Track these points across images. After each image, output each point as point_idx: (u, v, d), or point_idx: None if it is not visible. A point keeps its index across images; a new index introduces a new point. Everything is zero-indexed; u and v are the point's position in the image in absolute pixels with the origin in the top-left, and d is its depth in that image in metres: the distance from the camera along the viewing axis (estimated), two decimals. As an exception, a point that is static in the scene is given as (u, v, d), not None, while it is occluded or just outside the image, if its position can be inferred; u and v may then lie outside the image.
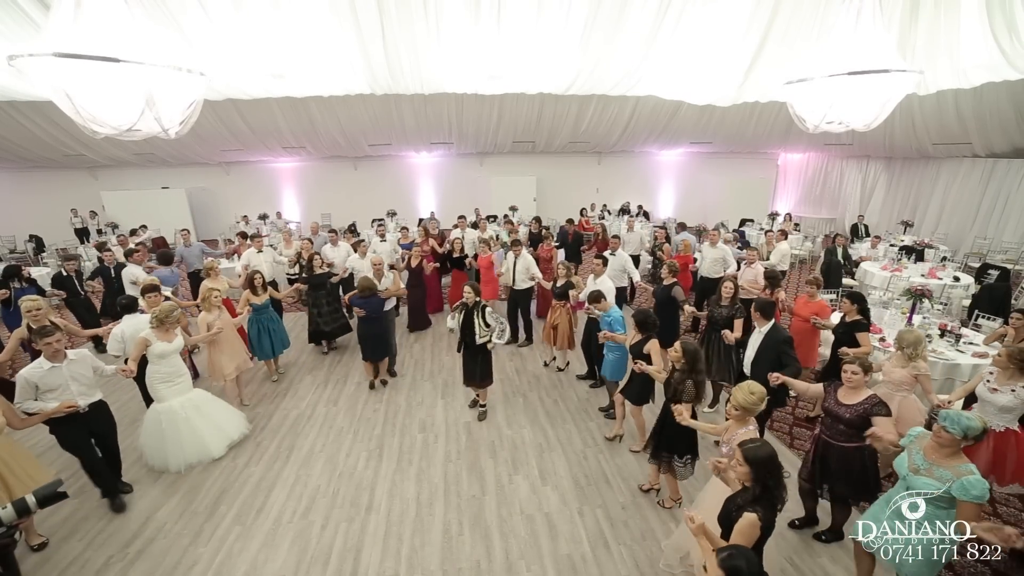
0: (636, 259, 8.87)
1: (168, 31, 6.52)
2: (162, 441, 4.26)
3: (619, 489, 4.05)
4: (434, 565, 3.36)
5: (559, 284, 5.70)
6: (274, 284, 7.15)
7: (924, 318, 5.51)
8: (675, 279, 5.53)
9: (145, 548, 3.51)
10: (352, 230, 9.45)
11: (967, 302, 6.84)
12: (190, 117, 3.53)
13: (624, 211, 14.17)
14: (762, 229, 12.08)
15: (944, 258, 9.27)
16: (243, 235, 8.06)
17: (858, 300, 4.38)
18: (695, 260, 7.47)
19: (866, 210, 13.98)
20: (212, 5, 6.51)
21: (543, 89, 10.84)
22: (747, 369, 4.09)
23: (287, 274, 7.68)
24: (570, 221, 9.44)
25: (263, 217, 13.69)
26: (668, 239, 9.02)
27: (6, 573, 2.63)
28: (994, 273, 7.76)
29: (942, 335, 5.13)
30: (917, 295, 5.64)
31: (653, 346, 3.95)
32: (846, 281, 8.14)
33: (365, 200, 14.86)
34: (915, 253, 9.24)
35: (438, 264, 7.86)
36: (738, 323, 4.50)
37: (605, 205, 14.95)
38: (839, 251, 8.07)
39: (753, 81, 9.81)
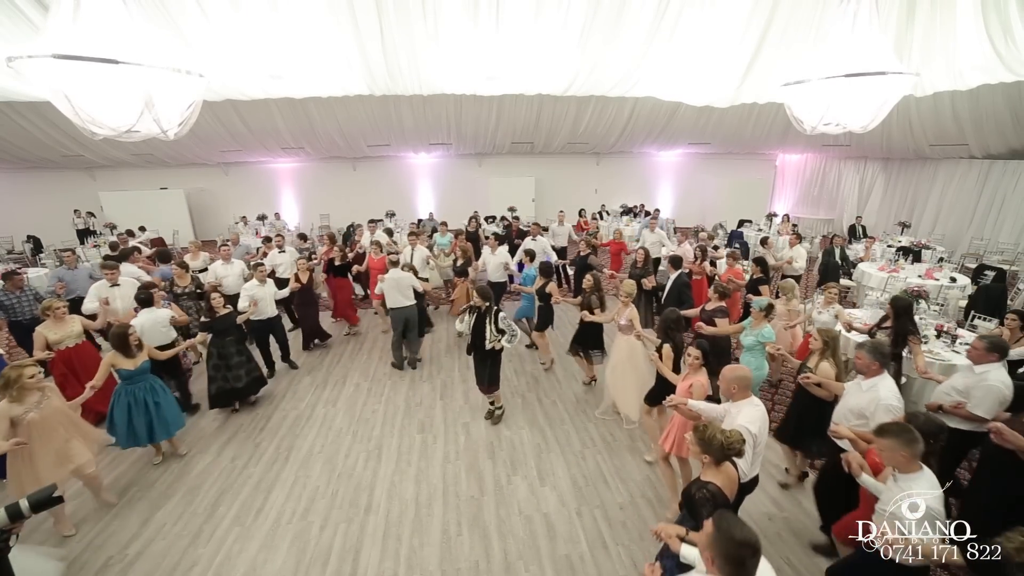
0: (565, 250, 9.44)
1: (167, 33, 6.54)
2: None
3: (617, 490, 4.06)
4: (433, 565, 3.37)
5: (459, 264, 7.05)
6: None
7: (921, 319, 5.51)
8: (590, 250, 7.29)
9: (144, 549, 3.51)
10: (347, 235, 9.10)
11: (963, 303, 6.86)
12: (189, 118, 3.55)
13: (629, 211, 14.10)
14: (760, 230, 12.10)
15: (941, 259, 9.28)
16: (134, 244, 6.02)
17: (761, 264, 6.10)
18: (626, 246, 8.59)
19: (864, 211, 14.00)
20: (210, 6, 6.51)
21: (542, 90, 10.86)
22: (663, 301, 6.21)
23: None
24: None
25: (262, 218, 13.67)
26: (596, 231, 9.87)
27: None
28: (990, 274, 7.79)
29: (938, 336, 5.14)
30: (914, 296, 5.66)
31: (552, 287, 5.79)
32: (844, 282, 8.16)
33: (364, 201, 14.84)
34: (912, 254, 9.27)
35: (328, 274, 7.21)
36: (648, 279, 6.21)
37: (604, 205, 14.96)
38: (837, 252, 8.10)
39: (751, 82, 9.85)
